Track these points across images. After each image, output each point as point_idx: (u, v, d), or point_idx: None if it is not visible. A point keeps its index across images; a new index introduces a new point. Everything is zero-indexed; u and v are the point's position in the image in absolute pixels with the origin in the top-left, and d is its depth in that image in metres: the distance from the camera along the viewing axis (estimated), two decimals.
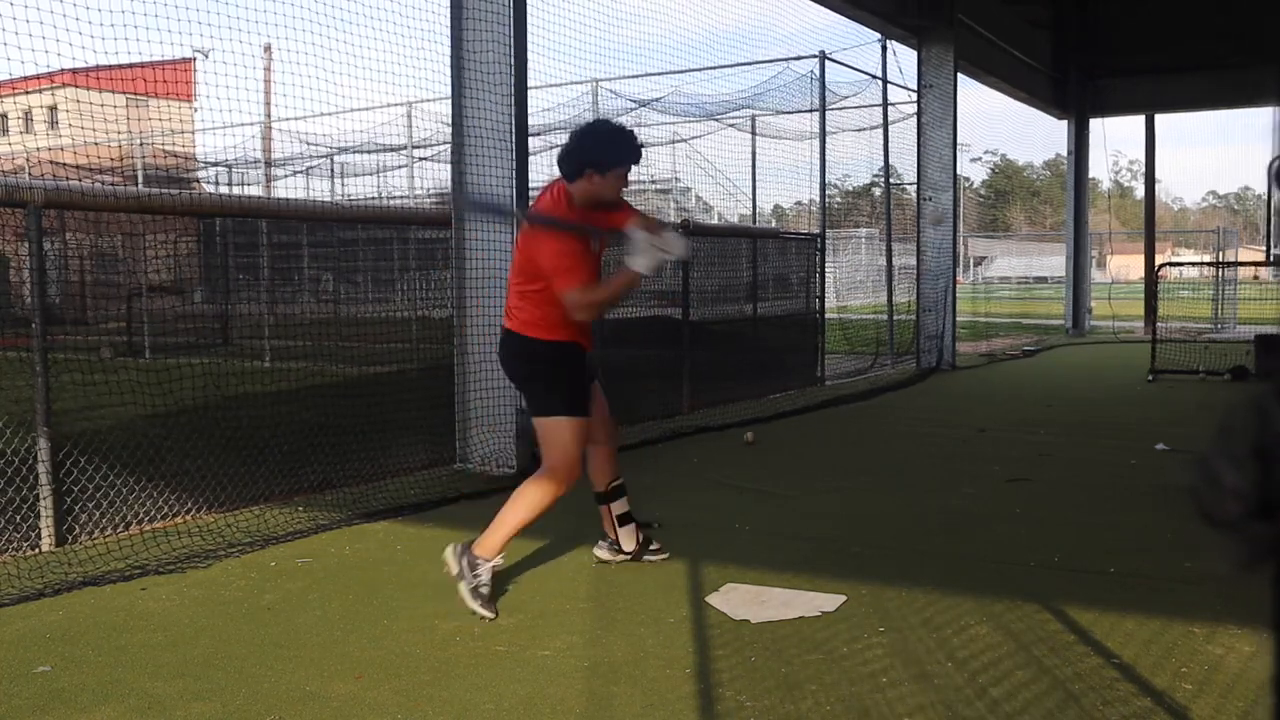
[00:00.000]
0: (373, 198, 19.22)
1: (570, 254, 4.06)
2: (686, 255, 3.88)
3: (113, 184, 15.15)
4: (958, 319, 14.46)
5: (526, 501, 4.12)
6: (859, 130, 14.09)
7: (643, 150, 4.26)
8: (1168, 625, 3.83)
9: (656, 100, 15.88)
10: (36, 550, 4.87)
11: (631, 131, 4.31)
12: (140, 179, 20.36)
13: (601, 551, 4.72)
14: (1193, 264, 25.70)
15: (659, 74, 15.20)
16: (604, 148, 4.17)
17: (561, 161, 4.21)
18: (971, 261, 41.84)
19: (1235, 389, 11.15)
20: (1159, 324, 13.70)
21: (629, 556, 4.66)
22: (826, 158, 12.47)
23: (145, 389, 5.89)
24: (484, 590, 4.01)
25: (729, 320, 10.96)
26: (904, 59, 13.73)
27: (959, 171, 15.02)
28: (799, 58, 13.10)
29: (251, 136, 20.05)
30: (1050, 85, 18.65)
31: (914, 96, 13.74)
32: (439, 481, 6.32)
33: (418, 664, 3.55)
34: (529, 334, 4.19)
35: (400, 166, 19.81)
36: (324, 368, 9.23)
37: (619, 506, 4.63)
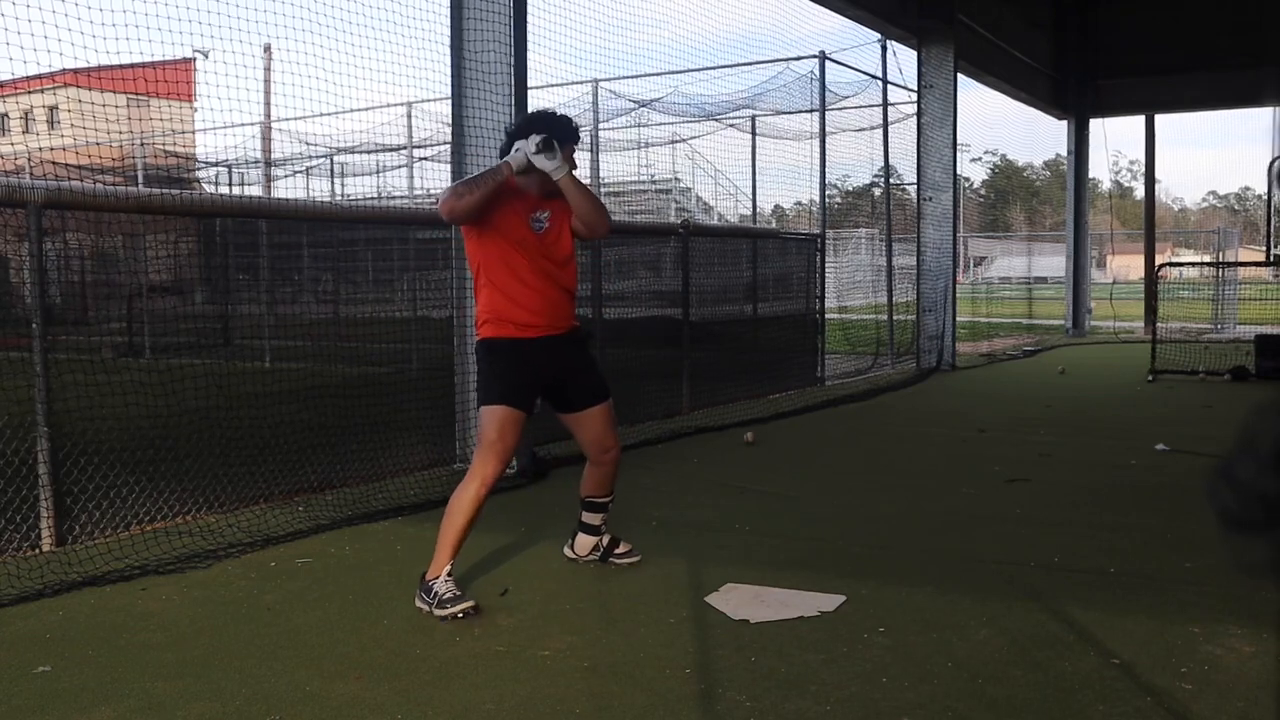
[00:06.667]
0: (372, 198, 19.22)
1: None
2: (531, 159, 4.12)
3: (113, 184, 15.13)
4: (958, 319, 14.47)
5: (458, 507, 4.12)
6: (859, 130, 14.10)
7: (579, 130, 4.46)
8: (1167, 625, 3.83)
9: (657, 100, 15.89)
10: (36, 550, 4.87)
11: (568, 116, 4.50)
12: (140, 179, 20.35)
13: (567, 550, 4.76)
14: (1193, 264, 25.68)
15: (659, 74, 15.22)
16: (557, 132, 4.26)
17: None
18: (971, 261, 41.78)
19: (1244, 389, 11.15)
20: (1159, 324, 13.71)
21: (574, 558, 4.72)
22: (826, 158, 12.47)
23: (146, 389, 5.89)
24: (448, 596, 4.01)
25: (729, 320, 10.95)
26: (904, 59, 13.75)
27: (959, 171, 15.03)
28: (799, 58, 13.11)
29: (251, 136, 20.05)
30: (1050, 85, 18.64)
31: (914, 96, 13.74)
32: (439, 481, 6.32)
33: (418, 664, 3.55)
34: (479, 334, 4.33)
35: (400, 166, 19.82)
36: (324, 368, 9.22)
37: (588, 516, 4.69)
